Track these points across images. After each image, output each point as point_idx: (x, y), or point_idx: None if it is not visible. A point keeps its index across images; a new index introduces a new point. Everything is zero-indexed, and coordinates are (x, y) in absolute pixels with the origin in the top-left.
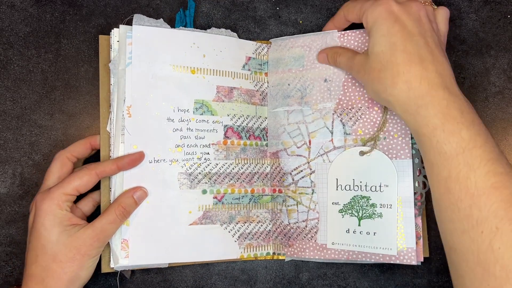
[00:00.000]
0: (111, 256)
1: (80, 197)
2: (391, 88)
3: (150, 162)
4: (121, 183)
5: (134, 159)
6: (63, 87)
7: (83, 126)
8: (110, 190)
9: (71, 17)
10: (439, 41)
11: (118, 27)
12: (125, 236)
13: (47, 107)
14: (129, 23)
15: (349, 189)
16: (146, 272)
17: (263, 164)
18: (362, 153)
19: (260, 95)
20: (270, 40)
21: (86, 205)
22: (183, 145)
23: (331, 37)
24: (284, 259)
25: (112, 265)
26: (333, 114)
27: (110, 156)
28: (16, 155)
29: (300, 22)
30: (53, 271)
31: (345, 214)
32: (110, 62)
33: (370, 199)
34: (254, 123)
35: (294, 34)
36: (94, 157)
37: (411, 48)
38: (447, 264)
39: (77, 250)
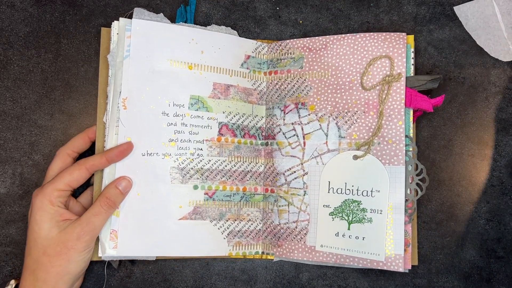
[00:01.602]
0: (99, 246)
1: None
2: None
3: (142, 155)
4: (113, 174)
5: (122, 151)
6: (63, 87)
7: (83, 126)
8: (102, 181)
9: (71, 17)
10: None
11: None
12: (114, 226)
13: (47, 107)
14: (131, 17)
15: (341, 193)
16: (147, 272)
17: (256, 163)
18: (355, 157)
19: (258, 94)
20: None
21: (86, 199)
22: (176, 140)
23: None
24: (273, 259)
25: (100, 254)
26: (329, 116)
27: (104, 147)
28: (16, 155)
29: (300, 22)
30: (42, 264)
31: (335, 217)
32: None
33: (361, 204)
34: (250, 122)
35: (294, 34)
36: (91, 149)
37: None
38: (447, 264)
39: (63, 244)
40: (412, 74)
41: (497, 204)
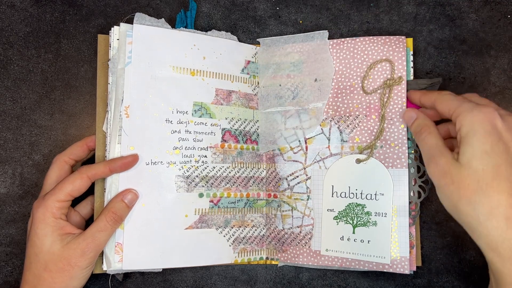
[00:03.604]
0: (103, 259)
1: (79, 200)
2: (486, 220)
3: (147, 164)
4: (116, 185)
5: (127, 163)
6: (63, 87)
7: (83, 126)
8: (105, 191)
9: (71, 17)
10: None
11: (118, 26)
12: (119, 239)
13: (47, 107)
14: (130, 22)
15: (345, 197)
16: (146, 271)
17: (259, 169)
18: (358, 161)
19: (258, 99)
20: (257, 40)
21: (85, 208)
22: (181, 148)
23: (323, 44)
24: (277, 264)
25: (104, 268)
26: (330, 120)
27: (106, 157)
28: (16, 155)
29: (300, 22)
30: (43, 280)
31: (339, 221)
32: (109, 60)
33: (365, 207)
34: (251, 127)
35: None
36: (92, 159)
37: None
38: (447, 264)
39: (66, 260)
40: (411, 78)
41: None
